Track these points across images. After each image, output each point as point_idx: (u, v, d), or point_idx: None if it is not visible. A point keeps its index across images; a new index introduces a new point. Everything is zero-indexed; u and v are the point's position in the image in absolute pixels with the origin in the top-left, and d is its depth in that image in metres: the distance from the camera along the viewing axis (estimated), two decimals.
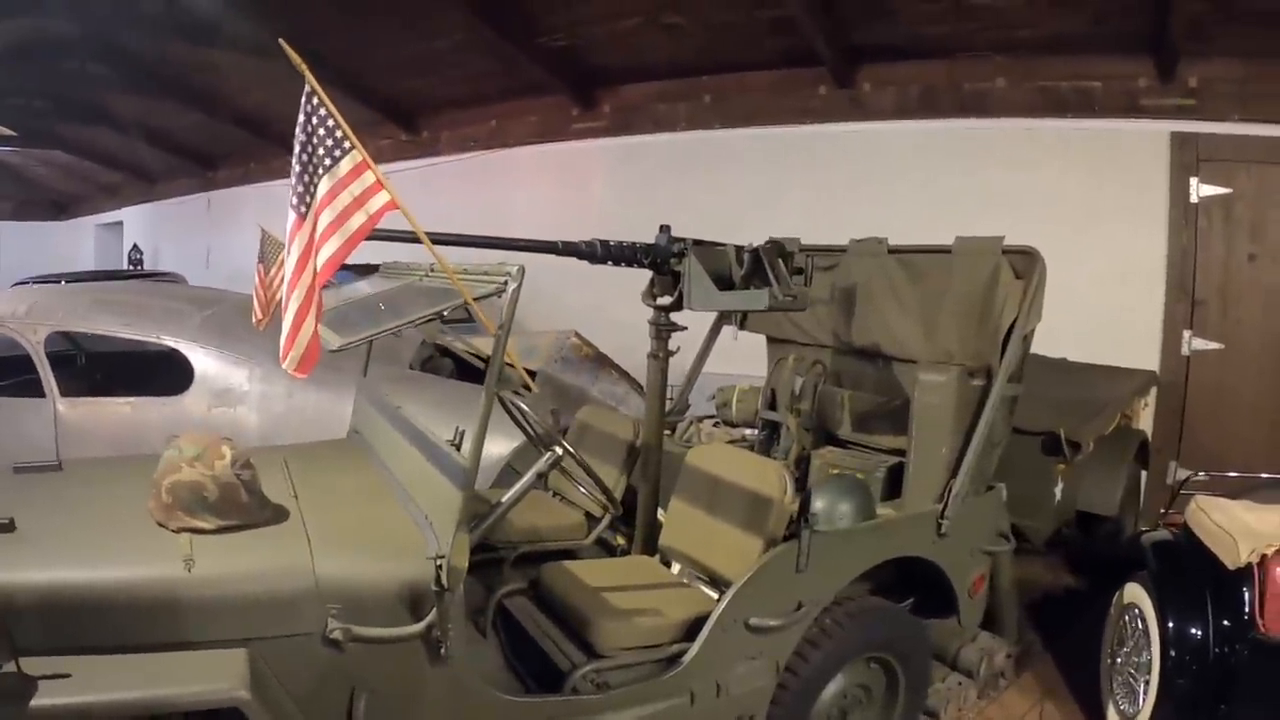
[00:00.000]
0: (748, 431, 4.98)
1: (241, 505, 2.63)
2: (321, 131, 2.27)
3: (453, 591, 2.42)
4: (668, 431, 3.97)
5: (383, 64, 10.50)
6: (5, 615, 2.09)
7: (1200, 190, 6.69)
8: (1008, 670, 4.25)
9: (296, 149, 2.31)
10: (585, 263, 3.32)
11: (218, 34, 9.61)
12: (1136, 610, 3.84)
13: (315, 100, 2.26)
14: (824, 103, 8.42)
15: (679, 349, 3.68)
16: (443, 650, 2.48)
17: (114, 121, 15.86)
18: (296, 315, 2.30)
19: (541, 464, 2.75)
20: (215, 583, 2.36)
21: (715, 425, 5.18)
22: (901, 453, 4.02)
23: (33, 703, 2.04)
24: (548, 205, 10.78)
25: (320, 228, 2.27)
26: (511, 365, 2.80)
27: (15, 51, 10.98)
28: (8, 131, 17.87)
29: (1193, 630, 3.42)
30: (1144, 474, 5.99)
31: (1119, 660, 3.93)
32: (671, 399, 3.90)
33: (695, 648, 2.92)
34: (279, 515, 2.76)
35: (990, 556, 3.94)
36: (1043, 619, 4.97)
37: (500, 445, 4.42)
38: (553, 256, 3.22)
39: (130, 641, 2.26)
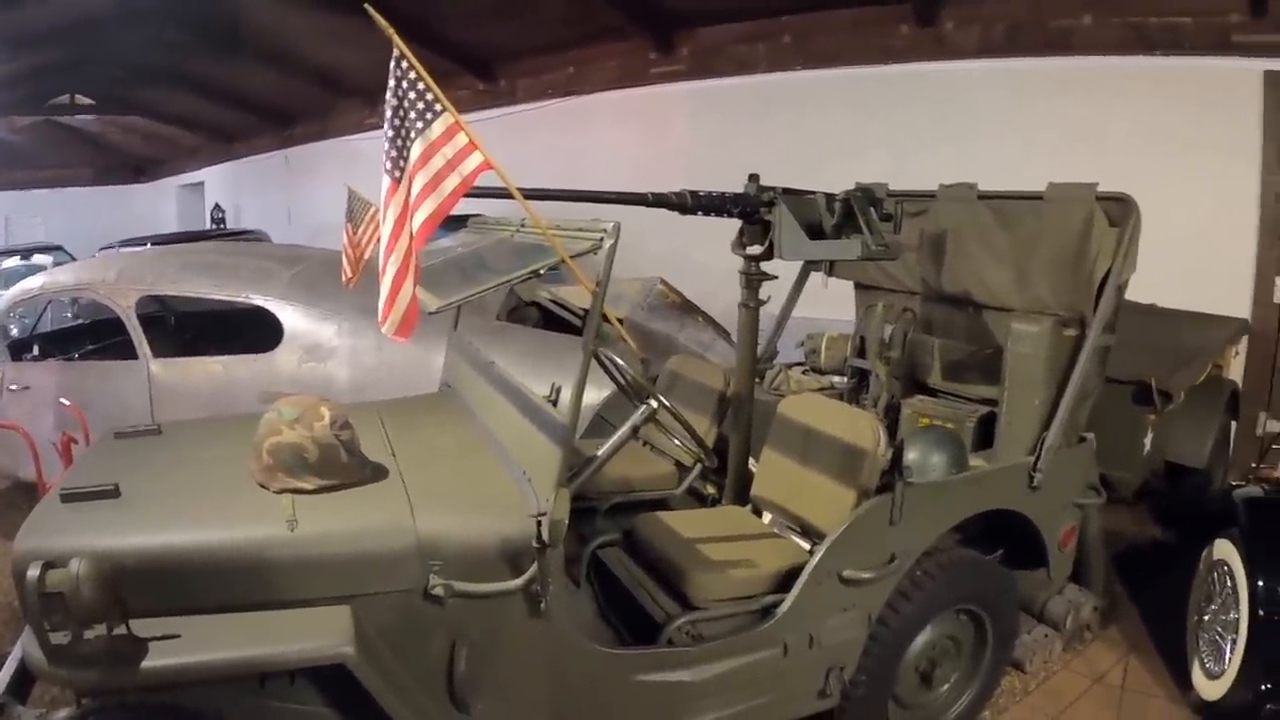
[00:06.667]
0: (836, 379, 4.98)
1: (341, 465, 2.69)
2: (412, 95, 2.26)
3: (553, 547, 2.45)
4: (757, 380, 3.96)
5: (457, 13, 10.46)
6: (115, 579, 2.14)
7: None
8: (1094, 623, 4.22)
9: (388, 113, 2.30)
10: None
11: None
12: (1226, 567, 3.75)
13: (405, 64, 2.25)
14: (906, 42, 8.20)
15: (769, 298, 3.66)
16: (542, 604, 2.52)
17: (190, 84, 16.06)
18: (395, 279, 2.31)
19: (637, 417, 2.76)
20: (318, 542, 2.41)
21: (804, 372, 5.18)
22: (992, 402, 3.97)
23: (144, 663, 2.12)
24: (629, 151, 10.71)
25: (414, 191, 2.27)
26: (609, 321, 2.80)
27: (91, 21, 11.12)
28: (86, 100, 18.30)
29: None
30: (1234, 425, 5.80)
31: (1206, 618, 3.84)
32: (760, 346, 3.88)
33: (789, 600, 2.93)
34: (378, 474, 2.80)
35: (1081, 509, 3.89)
36: (1129, 572, 4.90)
37: (591, 394, 4.37)
38: None
39: (236, 601, 2.33)
